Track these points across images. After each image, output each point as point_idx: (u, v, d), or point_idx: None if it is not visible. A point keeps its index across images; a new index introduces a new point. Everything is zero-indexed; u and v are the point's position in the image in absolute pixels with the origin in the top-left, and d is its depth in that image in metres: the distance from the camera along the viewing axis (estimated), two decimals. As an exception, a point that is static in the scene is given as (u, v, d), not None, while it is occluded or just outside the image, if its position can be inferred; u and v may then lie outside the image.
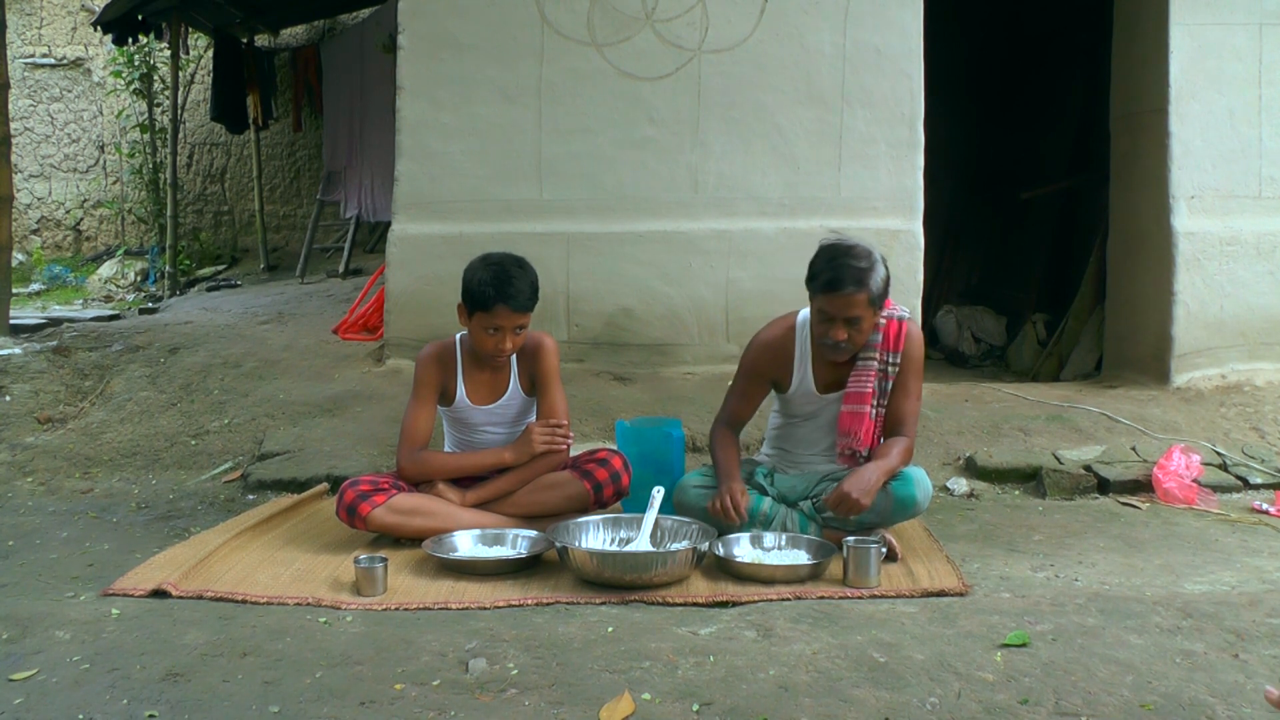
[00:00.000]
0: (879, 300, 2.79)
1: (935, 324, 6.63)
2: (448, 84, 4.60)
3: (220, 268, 9.38)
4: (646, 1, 4.52)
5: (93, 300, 8.96)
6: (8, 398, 4.57)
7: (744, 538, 2.80)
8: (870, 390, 2.88)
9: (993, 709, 1.86)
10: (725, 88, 4.52)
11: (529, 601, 2.48)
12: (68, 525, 3.31)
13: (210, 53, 8.80)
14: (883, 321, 2.89)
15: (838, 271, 2.74)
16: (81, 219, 10.31)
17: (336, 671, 2.05)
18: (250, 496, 3.66)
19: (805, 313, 2.97)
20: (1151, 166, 4.57)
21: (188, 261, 9.16)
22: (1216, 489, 3.54)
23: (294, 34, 9.51)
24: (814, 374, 2.95)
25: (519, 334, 2.99)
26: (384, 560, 2.59)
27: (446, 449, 3.22)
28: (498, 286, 2.91)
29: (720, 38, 4.51)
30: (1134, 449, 3.80)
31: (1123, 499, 3.52)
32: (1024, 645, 2.11)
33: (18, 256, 9.17)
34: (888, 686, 1.95)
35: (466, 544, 2.85)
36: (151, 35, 8.24)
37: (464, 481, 3.08)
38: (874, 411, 2.90)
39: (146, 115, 9.33)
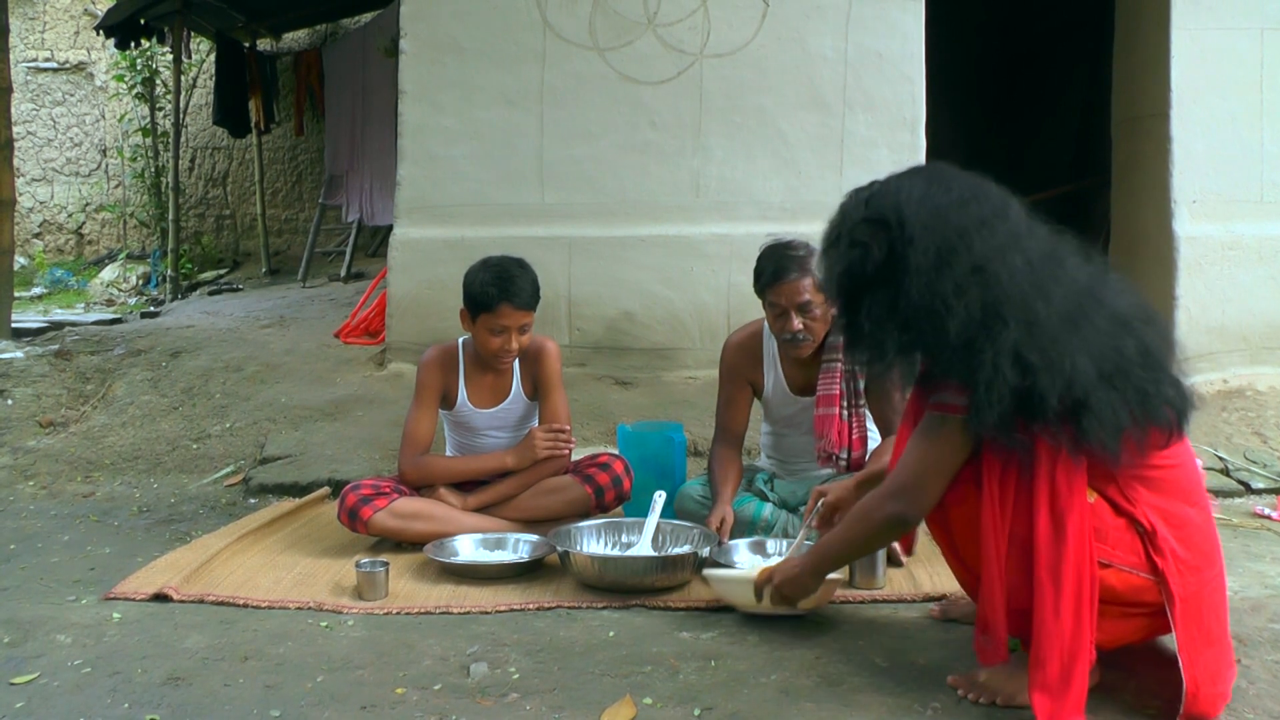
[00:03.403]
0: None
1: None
2: (450, 88, 4.60)
3: (222, 271, 9.38)
4: (648, 6, 4.53)
5: (94, 304, 8.97)
6: (10, 401, 4.57)
7: (745, 543, 2.79)
8: (838, 391, 2.92)
9: (994, 713, 1.86)
10: (727, 92, 4.52)
11: (530, 606, 2.47)
12: (69, 529, 3.31)
13: (212, 57, 8.82)
14: None
15: (779, 263, 2.87)
16: (83, 223, 10.32)
17: (338, 676, 2.05)
18: (251, 500, 3.66)
19: None
20: (1153, 171, 4.56)
21: (189, 265, 9.17)
22: (1218, 494, 3.53)
23: (296, 38, 9.52)
24: (785, 375, 3.00)
25: (524, 333, 3.00)
26: (385, 564, 2.59)
27: (448, 453, 3.22)
28: (500, 286, 2.92)
29: (722, 42, 4.51)
30: (1136, 453, 3.79)
31: (1124, 503, 3.51)
32: (1026, 650, 2.11)
33: (20, 260, 9.19)
34: (890, 691, 1.94)
35: (468, 548, 2.85)
36: (154, 39, 8.26)
37: (465, 486, 3.08)
38: (845, 412, 2.93)
39: (149, 119, 9.35)
